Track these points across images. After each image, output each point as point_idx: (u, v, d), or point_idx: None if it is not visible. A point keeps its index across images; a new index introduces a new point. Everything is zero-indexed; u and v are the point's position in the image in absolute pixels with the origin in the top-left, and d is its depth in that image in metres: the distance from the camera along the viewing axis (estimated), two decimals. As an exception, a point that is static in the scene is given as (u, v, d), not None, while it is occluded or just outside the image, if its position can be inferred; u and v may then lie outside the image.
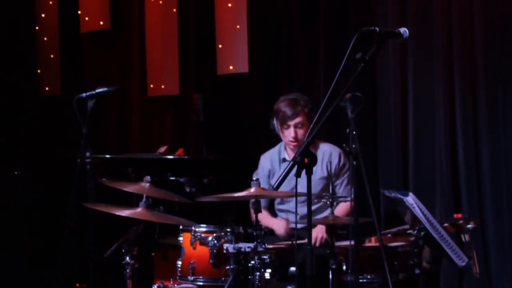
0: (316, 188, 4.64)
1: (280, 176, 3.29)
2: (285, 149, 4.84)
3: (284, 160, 4.80)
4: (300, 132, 4.65)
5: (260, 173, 4.86)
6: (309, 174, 3.27)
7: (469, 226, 4.25)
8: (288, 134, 4.67)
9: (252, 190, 4.01)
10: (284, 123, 4.67)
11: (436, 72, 5.37)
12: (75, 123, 4.33)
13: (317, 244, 4.43)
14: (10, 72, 7.08)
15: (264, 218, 4.71)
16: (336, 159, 4.76)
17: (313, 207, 4.55)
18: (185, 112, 6.94)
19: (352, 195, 4.31)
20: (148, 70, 6.97)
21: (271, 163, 4.86)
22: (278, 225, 4.68)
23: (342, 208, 4.67)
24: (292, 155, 4.68)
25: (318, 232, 4.48)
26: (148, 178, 4.21)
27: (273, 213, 4.93)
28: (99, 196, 4.26)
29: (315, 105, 4.74)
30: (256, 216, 4.00)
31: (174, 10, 6.85)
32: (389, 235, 4.27)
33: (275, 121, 4.75)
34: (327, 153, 4.77)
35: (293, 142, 4.66)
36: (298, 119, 4.65)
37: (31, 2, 7.39)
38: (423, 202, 4.05)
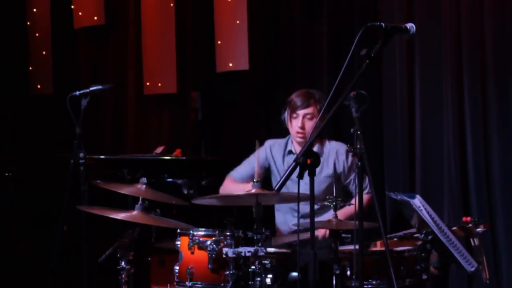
0: (321, 186, 4.66)
1: (281, 178, 3.30)
2: (292, 142, 4.86)
3: (290, 152, 4.81)
4: (309, 124, 4.66)
5: (251, 158, 4.84)
6: (312, 175, 3.28)
7: (479, 229, 4.26)
8: (296, 124, 4.69)
9: (253, 191, 4.02)
10: (293, 112, 4.69)
11: (444, 69, 5.37)
12: (68, 123, 4.34)
13: (320, 238, 4.45)
14: (0, 70, 7.09)
15: (232, 187, 4.77)
16: (343, 156, 4.77)
17: (315, 207, 4.56)
18: (183, 111, 6.95)
19: (368, 188, 4.46)
20: (144, 67, 6.98)
21: (274, 150, 4.86)
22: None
23: (347, 209, 4.65)
24: (299, 149, 4.70)
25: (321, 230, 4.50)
26: (144, 179, 4.22)
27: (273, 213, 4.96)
28: (93, 198, 4.26)
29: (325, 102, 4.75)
30: (257, 221, 4.01)
31: (172, 4, 6.86)
32: (395, 239, 4.28)
33: (286, 112, 4.76)
34: (334, 150, 4.78)
35: (300, 134, 4.67)
36: (308, 110, 4.67)
37: (22, -4, 7.42)
38: (431, 204, 4.06)
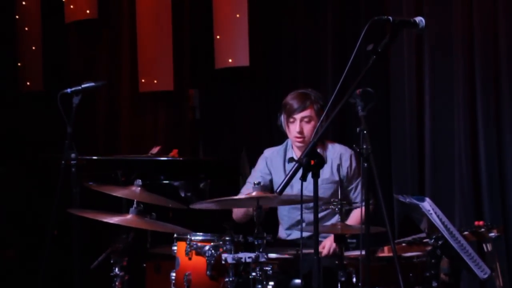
0: (325, 193, 4.64)
1: (284, 180, 3.29)
2: (292, 147, 4.85)
3: (291, 159, 4.80)
4: (307, 127, 4.65)
5: (261, 166, 4.85)
6: (316, 177, 3.27)
7: (492, 234, 4.25)
8: (294, 129, 4.68)
9: (254, 194, 4.01)
10: (290, 117, 4.68)
11: (455, 66, 5.37)
12: (59, 122, 4.34)
13: (323, 254, 4.43)
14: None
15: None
16: (347, 161, 4.76)
17: (320, 214, 4.56)
18: (180, 109, 6.95)
19: (364, 200, 4.37)
20: (139, 64, 6.98)
21: (273, 159, 4.86)
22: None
23: (356, 215, 4.66)
24: (299, 154, 4.69)
25: (327, 242, 4.49)
26: (139, 181, 4.21)
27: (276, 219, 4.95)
28: (86, 201, 4.26)
29: (322, 101, 4.75)
30: (258, 225, 4.00)
31: (168, -3, 6.88)
32: (403, 244, 4.28)
33: (282, 116, 4.75)
34: (337, 155, 4.77)
35: (299, 138, 4.66)
36: (305, 113, 4.65)
37: (10, -12, 7.42)
38: (441, 208, 4.05)
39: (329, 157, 4.76)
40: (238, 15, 6.45)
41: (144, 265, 4.94)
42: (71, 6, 7.22)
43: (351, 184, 4.78)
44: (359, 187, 4.76)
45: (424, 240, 4.15)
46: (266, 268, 4.01)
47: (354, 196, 4.75)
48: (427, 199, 4.04)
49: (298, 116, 4.67)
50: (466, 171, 5.27)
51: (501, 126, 5.24)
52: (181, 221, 4.38)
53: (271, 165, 4.87)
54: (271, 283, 4.04)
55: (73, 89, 4.34)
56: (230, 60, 6.50)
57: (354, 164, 4.77)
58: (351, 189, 4.77)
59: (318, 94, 4.75)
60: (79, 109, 4.30)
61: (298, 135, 4.67)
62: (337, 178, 4.73)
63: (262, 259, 3.96)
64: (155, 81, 6.92)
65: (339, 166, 4.74)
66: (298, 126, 4.66)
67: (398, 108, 5.68)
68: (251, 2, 6.44)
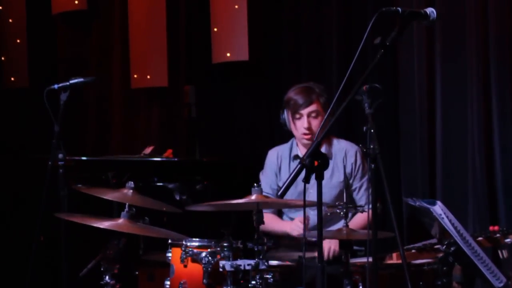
0: (331, 192, 4.66)
1: (285, 182, 3.30)
2: (298, 145, 4.86)
3: (297, 157, 4.81)
4: (315, 122, 4.67)
5: (268, 171, 4.88)
6: (320, 179, 3.27)
7: (508, 240, 4.25)
8: (301, 125, 4.69)
9: (253, 197, 4.01)
10: (296, 113, 4.69)
11: (469, 60, 5.36)
12: (45, 120, 4.34)
13: (325, 256, 4.43)
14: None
15: (274, 223, 4.74)
16: (352, 157, 4.77)
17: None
18: (175, 107, 6.96)
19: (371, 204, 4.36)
20: (131, 58, 6.99)
21: (280, 159, 4.88)
22: (291, 226, 4.67)
23: (359, 220, 4.67)
24: (305, 151, 4.70)
25: (325, 244, 4.49)
26: (131, 183, 4.22)
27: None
28: (74, 205, 4.26)
29: (327, 95, 4.77)
30: (258, 228, 4.00)
31: (162, -13, 6.88)
32: (413, 250, 4.28)
33: (285, 113, 4.76)
34: (342, 151, 4.78)
35: (307, 135, 4.68)
36: (312, 108, 4.68)
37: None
38: (453, 212, 4.05)
39: (334, 153, 4.77)
40: (236, 6, 6.44)
41: (137, 272, 4.93)
42: (59, -4, 7.23)
43: (355, 184, 4.78)
44: (363, 188, 4.76)
45: (435, 246, 4.15)
46: (267, 276, 4.02)
47: (357, 198, 4.76)
48: (438, 203, 4.04)
49: (305, 112, 4.69)
50: (480, 172, 5.26)
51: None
52: (176, 225, 4.39)
53: (277, 165, 4.88)
54: (272, 292, 4.05)
55: (60, 85, 4.34)
56: (228, 54, 6.51)
57: (359, 162, 4.78)
58: (354, 189, 4.78)
59: (321, 87, 4.78)
60: (67, 107, 4.30)
61: (306, 132, 4.68)
62: (342, 178, 4.73)
63: (263, 267, 3.97)
64: (148, 77, 6.92)
65: (343, 163, 4.75)
66: (306, 122, 4.68)
67: (408, 106, 5.68)
68: (251, -8, 6.46)
